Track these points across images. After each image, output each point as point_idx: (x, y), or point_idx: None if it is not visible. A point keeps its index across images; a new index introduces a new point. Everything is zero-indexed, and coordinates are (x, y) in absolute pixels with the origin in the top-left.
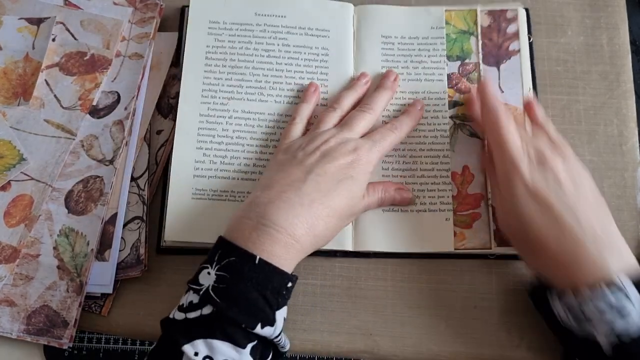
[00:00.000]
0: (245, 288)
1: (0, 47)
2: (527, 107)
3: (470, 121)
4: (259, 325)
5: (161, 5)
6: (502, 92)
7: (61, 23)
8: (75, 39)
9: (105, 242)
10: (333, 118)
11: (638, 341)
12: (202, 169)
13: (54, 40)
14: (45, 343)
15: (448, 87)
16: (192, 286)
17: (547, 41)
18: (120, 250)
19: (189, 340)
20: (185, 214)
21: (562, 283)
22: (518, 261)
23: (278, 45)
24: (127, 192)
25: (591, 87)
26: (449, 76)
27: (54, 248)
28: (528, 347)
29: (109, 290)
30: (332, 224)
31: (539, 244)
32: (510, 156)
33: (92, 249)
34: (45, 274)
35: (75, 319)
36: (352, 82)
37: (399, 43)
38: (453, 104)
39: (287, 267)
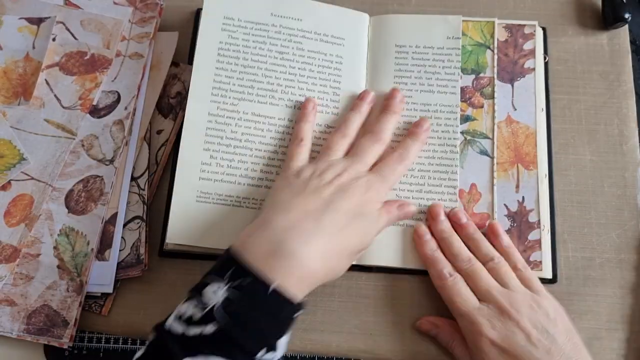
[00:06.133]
0: (256, 314)
1: (1, 47)
2: (490, 230)
3: (481, 138)
4: (262, 351)
5: (161, 4)
6: (515, 109)
7: (61, 23)
8: (75, 38)
9: (105, 242)
10: (342, 145)
11: None
12: (208, 172)
13: (54, 40)
14: (46, 343)
15: (461, 101)
16: (196, 298)
17: (547, 40)
18: (120, 250)
19: (189, 355)
20: (188, 217)
21: None
22: None
23: (292, 48)
24: (127, 192)
25: (591, 87)
26: (462, 89)
27: (54, 248)
28: None
29: (109, 289)
30: (344, 259)
31: None
32: (468, 318)
33: (92, 249)
34: (45, 274)
35: (76, 319)
36: (355, 102)
37: (413, 52)
38: (465, 119)
39: (299, 296)
